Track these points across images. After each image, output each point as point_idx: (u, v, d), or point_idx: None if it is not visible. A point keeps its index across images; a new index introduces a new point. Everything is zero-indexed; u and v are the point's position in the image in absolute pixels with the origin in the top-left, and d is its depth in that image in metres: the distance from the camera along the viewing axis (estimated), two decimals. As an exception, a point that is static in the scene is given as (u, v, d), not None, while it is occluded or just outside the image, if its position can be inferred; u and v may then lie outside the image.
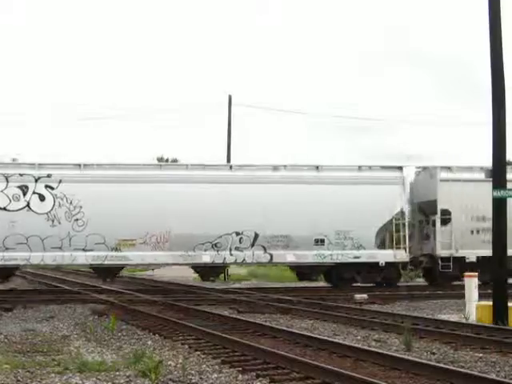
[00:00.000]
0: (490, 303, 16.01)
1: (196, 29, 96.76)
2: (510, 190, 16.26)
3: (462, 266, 26.30)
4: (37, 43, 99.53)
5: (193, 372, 10.32)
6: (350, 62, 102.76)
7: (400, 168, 26.82)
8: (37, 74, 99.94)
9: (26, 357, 11.80)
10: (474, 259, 26.41)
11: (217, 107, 71.53)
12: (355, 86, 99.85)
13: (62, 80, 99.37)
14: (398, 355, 11.03)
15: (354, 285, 26.72)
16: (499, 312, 15.65)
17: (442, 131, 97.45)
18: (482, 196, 25.88)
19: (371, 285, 26.75)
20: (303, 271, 26.98)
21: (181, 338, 13.86)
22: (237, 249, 25.03)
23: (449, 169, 27.17)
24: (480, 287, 25.58)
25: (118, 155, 72.44)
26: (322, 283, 29.12)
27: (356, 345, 12.51)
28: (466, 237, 26.69)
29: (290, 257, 25.40)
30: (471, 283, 17.41)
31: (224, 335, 13.13)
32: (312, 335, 13.53)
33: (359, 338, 14.20)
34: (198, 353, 12.08)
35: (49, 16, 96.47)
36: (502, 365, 10.95)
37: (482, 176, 26.94)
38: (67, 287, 27.81)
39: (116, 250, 24.28)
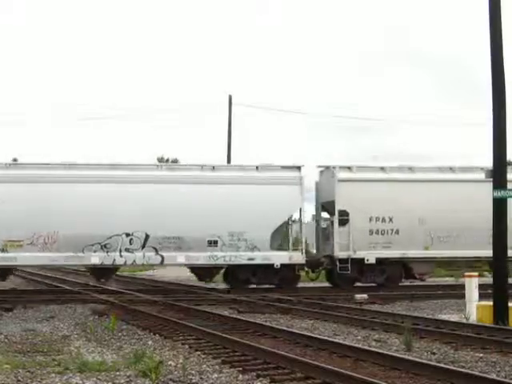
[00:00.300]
0: (491, 303, 16.00)
1: (196, 29, 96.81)
2: (510, 190, 16.23)
3: (361, 267, 26.10)
4: (37, 43, 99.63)
5: (193, 372, 10.32)
6: (350, 62, 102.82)
7: (298, 168, 26.13)
8: (37, 74, 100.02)
9: (27, 357, 11.80)
10: (373, 261, 26.00)
11: (217, 107, 71.59)
12: (355, 85, 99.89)
13: (62, 80, 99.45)
14: (398, 355, 11.03)
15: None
16: (500, 312, 15.65)
17: (442, 131, 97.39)
18: (382, 196, 26.07)
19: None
20: (198, 272, 26.53)
21: (181, 338, 13.86)
22: (127, 250, 24.51)
23: (349, 168, 26.60)
24: (378, 288, 25.32)
25: (118, 155, 72.47)
26: (321, 283, 29.10)
27: (356, 345, 12.51)
28: (364, 238, 26.04)
29: (182, 258, 25.00)
30: (471, 283, 17.39)
31: (224, 335, 13.13)
32: (312, 335, 13.53)
33: (359, 338, 14.19)
34: (199, 353, 12.08)
35: (49, 16, 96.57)
36: (503, 365, 10.94)
37: (383, 176, 26.58)
38: (67, 287, 27.81)
39: (3, 251, 23.88)
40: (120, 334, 14.69)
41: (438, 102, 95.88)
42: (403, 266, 26.79)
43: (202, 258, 24.99)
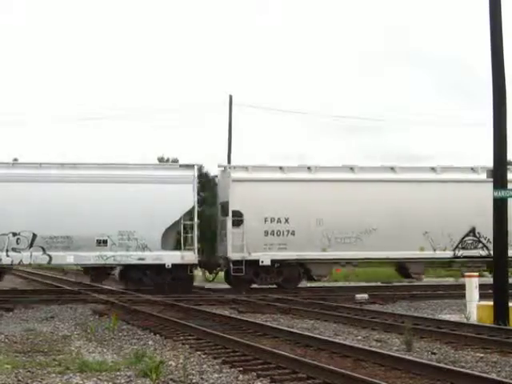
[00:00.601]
0: (491, 303, 16.00)
1: (196, 29, 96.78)
2: (510, 190, 16.23)
3: (256, 269, 25.59)
4: (37, 43, 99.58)
5: (193, 372, 10.32)
6: (350, 62, 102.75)
7: (191, 166, 25.74)
8: (37, 74, 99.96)
9: (27, 357, 11.82)
10: (268, 262, 25.44)
11: (217, 107, 71.51)
12: (355, 85, 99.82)
13: (62, 80, 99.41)
14: (398, 355, 11.03)
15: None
16: (500, 312, 15.64)
17: (442, 131, 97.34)
18: (278, 196, 25.51)
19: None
20: (91, 273, 26.14)
21: (181, 338, 13.87)
22: (14, 250, 24.14)
23: (245, 168, 26.16)
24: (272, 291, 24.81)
25: (118, 155, 72.45)
26: (322, 283, 29.12)
27: (357, 345, 12.51)
28: (259, 239, 25.43)
29: (70, 258, 24.64)
30: (471, 283, 17.40)
31: (225, 335, 13.14)
32: (313, 335, 13.53)
33: (360, 338, 14.20)
34: (199, 353, 12.09)
35: (49, 16, 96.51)
36: (503, 365, 10.95)
37: (280, 175, 26.12)
38: (68, 287, 27.82)
39: None
40: (120, 334, 14.70)
41: (438, 102, 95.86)
42: (302, 268, 26.34)
43: (92, 257, 24.56)
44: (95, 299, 22.42)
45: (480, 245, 26.67)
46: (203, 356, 11.78)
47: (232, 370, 10.51)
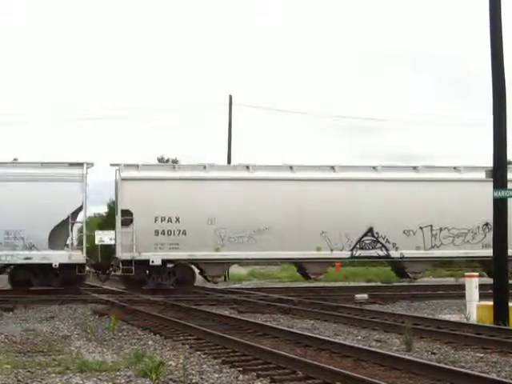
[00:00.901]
0: (491, 303, 16.00)
1: (196, 29, 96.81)
2: (510, 189, 16.22)
3: (146, 269, 25.25)
4: (37, 43, 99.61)
5: (193, 372, 10.32)
6: (350, 62, 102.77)
7: (80, 165, 25.29)
8: (37, 74, 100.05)
9: (27, 357, 11.82)
10: (159, 262, 25.03)
11: (217, 107, 71.56)
12: (355, 85, 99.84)
13: (62, 80, 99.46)
14: (398, 355, 11.02)
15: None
16: (500, 312, 15.64)
17: (442, 131, 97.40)
18: (168, 195, 25.19)
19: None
20: None
21: (181, 338, 13.87)
22: None
23: (137, 167, 25.90)
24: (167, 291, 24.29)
25: (118, 155, 72.52)
26: (322, 283, 29.14)
27: (357, 345, 12.51)
28: (150, 239, 25.07)
29: None
30: (471, 283, 17.39)
31: (225, 335, 13.13)
32: (313, 335, 13.53)
33: (360, 338, 14.20)
34: (199, 353, 12.08)
35: (49, 16, 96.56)
36: (503, 365, 10.94)
37: (171, 174, 25.90)
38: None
39: None
40: (120, 334, 14.70)
41: (438, 102, 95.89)
42: (198, 268, 26.20)
43: None
44: (95, 299, 22.44)
45: (378, 245, 26.38)
46: (203, 356, 11.78)
47: (232, 370, 10.50)
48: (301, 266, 27.07)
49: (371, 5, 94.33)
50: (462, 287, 18.44)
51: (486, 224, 25.95)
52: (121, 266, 24.99)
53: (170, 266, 25.49)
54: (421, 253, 26.58)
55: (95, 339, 14.08)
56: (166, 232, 25.25)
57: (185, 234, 25.29)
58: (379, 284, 30.93)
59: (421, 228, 26.50)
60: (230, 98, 41.23)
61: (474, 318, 16.44)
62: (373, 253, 26.43)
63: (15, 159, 30.08)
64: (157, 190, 25.38)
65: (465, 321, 16.20)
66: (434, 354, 12.13)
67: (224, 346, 12.50)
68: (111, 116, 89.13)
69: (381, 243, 26.40)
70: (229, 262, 26.79)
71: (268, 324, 15.63)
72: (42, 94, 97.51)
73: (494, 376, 9.76)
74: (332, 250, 26.12)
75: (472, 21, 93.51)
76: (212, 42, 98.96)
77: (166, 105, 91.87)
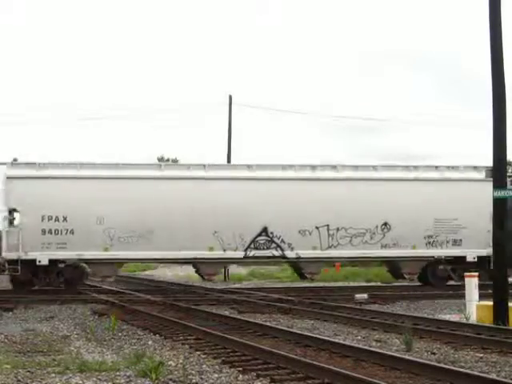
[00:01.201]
0: (491, 303, 16.00)
1: (196, 29, 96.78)
2: (510, 189, 16.23)
3: (33, 269, 24.68)
4: (37, 43, 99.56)
5: (193, 372, 10.32)
6: (350, 62, 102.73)
7: None
8: (37, 74, 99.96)
9: (27, 357, 11.82)
10: (46, 262, 24.39)
11: (217, 107, 71.55)
12: (355, 85, 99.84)
13: (62, 80, 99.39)
14: (398, 355, 11.02)
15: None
16: (500, 312, 15.64)
17: (442, 131, 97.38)
18: (56, 194, 24.66)
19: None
20: None
21: (181, 338, 13.86)
22: None
23: (23, 165, 25.39)
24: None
25: (117, 155, 72.49)
26: (322, 283, 29.15)
27: (356, 345, 12.51)
28: (37, 238, 24.47)
29: None
30: (471, 283, 17.40)
31: (224, 335, 13.12)
32: (313, 335, 13.52)
33: (360, 338, 14.20)
34: (199, 353, 12.08)
35: (49, 16, 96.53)
36: (503, 365, 10.95)
37: (61, 173, 25.28)
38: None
39: None
40: (120, 334, 14.70)
41: (438, 102, 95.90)
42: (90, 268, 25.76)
43: None
44: (95, 299, 22.43)
45: (273, 245, 25.87)
46: (203, 356, 11.78)
47: (232, 370, 10.50)
48: (195, 266, 26.71)
49: (371, 5, 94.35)
50: (462, 287, 18.42)
51: (385, 224, 25.89)
52: (7, 265, 24.58)
53: (61, 265, 24.98)
54: (317, 253, 26.00)
55: (95, 339, 14.07)
56: (53, 231, 24.84)
57: (72, 233, 24.89)
58: (379, 284, 30.94)
59: (317, 228, 25.94)
60: (230, 98, 41.27)
61: (473, 318, 16.44)
62: (267, 253, 25.85)
63: (15, 159, 30.04)
64: (43, 188, 24.93)
65: (464, 321, 16.20)
66: (434, 353, 12.13)
67: (224, 346, 12.50)
68: (111, 116, 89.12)
69: (276, 243, 25.81)
70: (119, 262, 26.39)
71: (268, 324, 15.63)
72: (42, 94, 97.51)
73: (493, 376, 9.76)
74: (225, 250, 25.58)
75: (472, 21, 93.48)
76: (212, 42, 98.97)
77: (166, 105, 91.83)
